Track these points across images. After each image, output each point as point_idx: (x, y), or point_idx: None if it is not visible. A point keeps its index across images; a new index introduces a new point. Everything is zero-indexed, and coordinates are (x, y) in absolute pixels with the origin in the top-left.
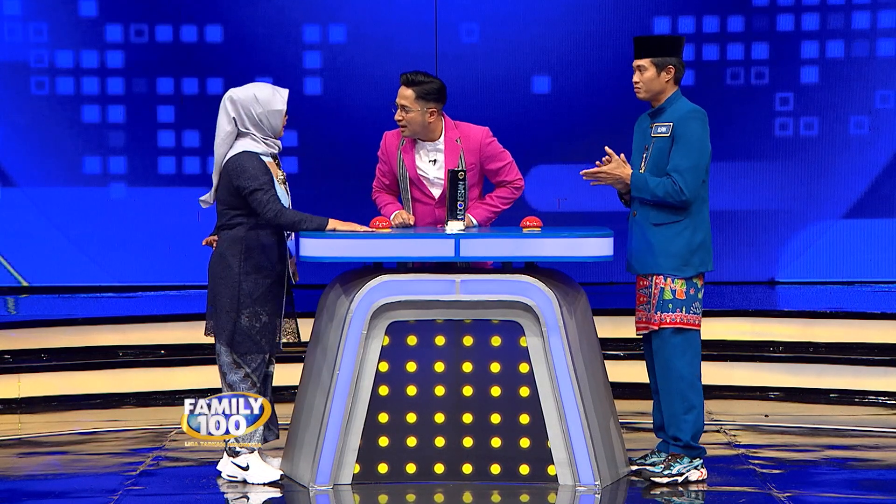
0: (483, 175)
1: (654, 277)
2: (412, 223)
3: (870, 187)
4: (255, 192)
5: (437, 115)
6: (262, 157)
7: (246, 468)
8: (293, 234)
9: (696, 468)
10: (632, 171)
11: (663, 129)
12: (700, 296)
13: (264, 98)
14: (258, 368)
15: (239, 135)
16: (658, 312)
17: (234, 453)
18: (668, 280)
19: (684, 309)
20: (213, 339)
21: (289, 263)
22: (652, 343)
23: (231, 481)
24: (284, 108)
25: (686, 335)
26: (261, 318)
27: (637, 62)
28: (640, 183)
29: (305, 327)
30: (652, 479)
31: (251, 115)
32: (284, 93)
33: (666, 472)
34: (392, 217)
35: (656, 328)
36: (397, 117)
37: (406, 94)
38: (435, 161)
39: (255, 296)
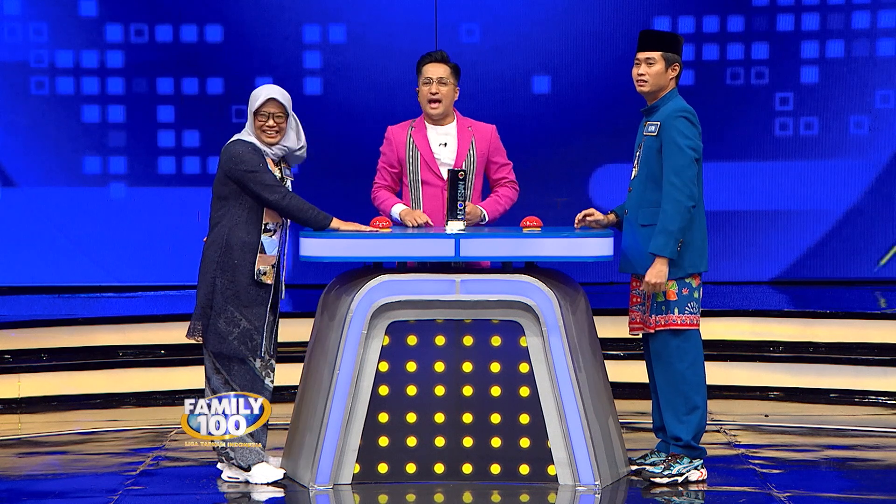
0: (484, 169)
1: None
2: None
3: (870, 187)
4: (253, 173)
5: (456, 97)
6: (257, 146)
7: (248, 469)
8: (275, 233)
9: (696, 468)
10: (650, 246)
11: (652, 129)
12: (696, 295)
13: (251, 97)
14: (238, 377)
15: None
16: (653, 315)
17: (225, 456)
18: None
19: (677, 310)
20: (193, 340)
21: (258, 260)
22: (650, 345)
23: (232, 482)
24: (252, 110)
25: (684, 336)
26: (239, 323)
27: (646, 54)
28: (657, 245)
29: (305, 327)
30: (651, 479)
31: (248, 110)
32: (264, 96)
33: (666, 473)
34: (404, 215)
35: (652, 331)
36: (434, 90)
37: (443, 69)
38: (446, 144)
39: (226, 295)
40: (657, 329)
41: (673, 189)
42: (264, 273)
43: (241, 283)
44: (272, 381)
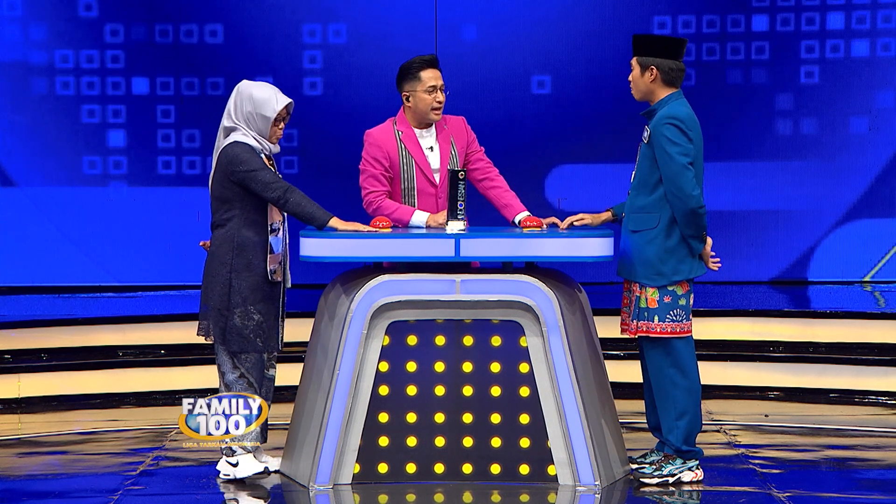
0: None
1: (633, 284)
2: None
3: (870, 187)
4: (255, 172)
5: None
6: (253, 146)
7: (236, 465)
8: (280, 232)
9: (689, 469)
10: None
11: (646, 135)
12: (683, 303)
13: (258, 99)
14: (253, 369)
15: (233, 128)
16: (635, 320)
17: (230, 452)
18: (643, 289)
19: (657, 318)
20: (204, 339)
21: (269, 260)
22: (641, 348)
23: (227, 480)
24: (272, 116)
25: (671, 342)
26: (253, 317)
27: (631, 60)
28: (695, 249)
29: (305, 327)
30: (642, 479)
31: (243, 110)
32: (282, 102)
33: (657, 473)
34: (431, 218)
35: (633, 336)
36: (440, 98)
37: (440, 75)
38: (432, 148)
39: (244, 293)
40: (639, 334)
41: (674, 199)
42: (274, 271)
43: (256, 281)
44: (273, 371)
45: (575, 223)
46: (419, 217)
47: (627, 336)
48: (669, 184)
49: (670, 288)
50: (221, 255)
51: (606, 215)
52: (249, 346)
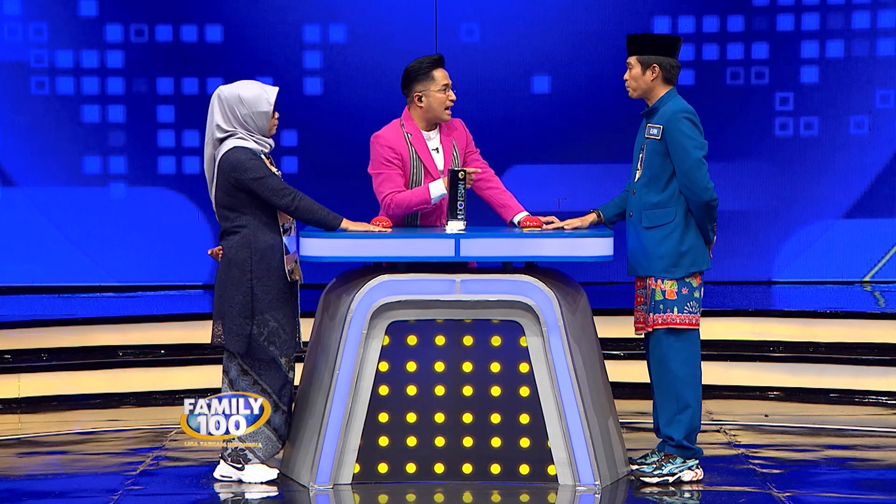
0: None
1: (648, 279)
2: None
3: (870, 187)
4: (262, 179)
5: None
6: (255, 151)
7: (241, 468)
8: (292, 230)
9: (689, 468)
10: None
11: (654, 132)
12: (697, 295)
13: (249, 99)
14: (266, 375)
15: (228, 135)
16: (651, 313)
17: (242, 458)
18: (659, 281)
19: (676, 309)
20: (214, 346)
21: (285, 261)
22: (649, 343)
23: (225, 481)
24: (270, 109)
25: (681, 335)
26: (269, 324)
27: (627, 59)
28: (707, 241)
29: (305, 327)
30: (642, 478)
31: (236, 115)
32: (272, 92)
33: (656, 472)
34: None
35: (650, 329)
36: (452, 97)
37: (448, 75)
38: (437, 149)
39: (267, 299)
40: (655, 328)
41: (688, 192)
42: (292, 271)
43: (276, 285)
44: (293, 373)
45: (565, 228)
46: (435, 188)
47: (641, 335)
48: (683, 177)
49: (687, 280)
50: (241, 261)
51: (592, 217)
52: (264, 353)
